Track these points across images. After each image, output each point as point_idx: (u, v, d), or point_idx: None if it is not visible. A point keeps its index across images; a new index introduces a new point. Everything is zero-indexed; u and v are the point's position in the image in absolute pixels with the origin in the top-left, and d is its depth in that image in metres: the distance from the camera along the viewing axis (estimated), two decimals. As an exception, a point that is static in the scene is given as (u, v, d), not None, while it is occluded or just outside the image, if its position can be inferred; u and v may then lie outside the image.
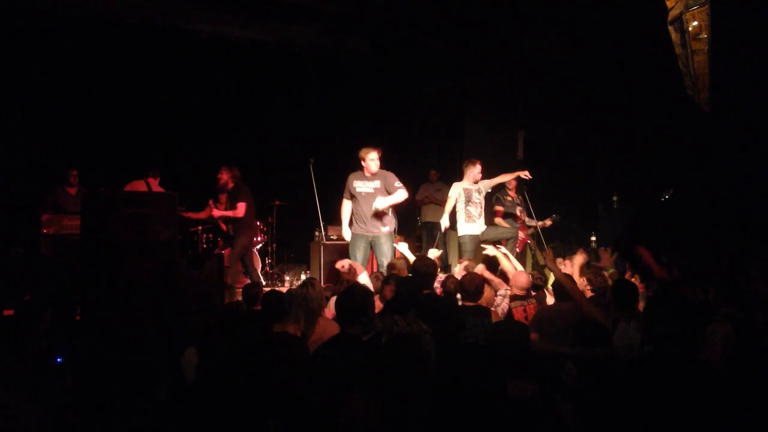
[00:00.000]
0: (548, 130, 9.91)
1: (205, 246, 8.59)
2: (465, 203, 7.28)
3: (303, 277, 8.61)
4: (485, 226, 7.44)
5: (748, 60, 6.80)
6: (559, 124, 9.93)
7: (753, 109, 7.04)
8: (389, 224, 6.62)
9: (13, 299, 5.68)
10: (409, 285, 4.24)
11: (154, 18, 8.17)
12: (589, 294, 4.71)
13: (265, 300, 4.11)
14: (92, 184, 7.61)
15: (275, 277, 8.92)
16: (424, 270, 4.71)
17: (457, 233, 7.53)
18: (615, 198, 9.34)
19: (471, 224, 7.28)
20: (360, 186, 6.54)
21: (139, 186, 7.46)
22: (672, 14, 6.77)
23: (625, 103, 9.38)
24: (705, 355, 3.64)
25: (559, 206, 8.99)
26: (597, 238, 9.10)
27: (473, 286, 4.54)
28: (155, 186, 7.61)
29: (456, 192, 7.31)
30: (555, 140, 10.09)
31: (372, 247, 6.57)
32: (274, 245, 9.11)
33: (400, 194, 6.47)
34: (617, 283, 4.43)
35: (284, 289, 5.64)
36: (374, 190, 6.50)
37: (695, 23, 6.55)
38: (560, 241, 9.14)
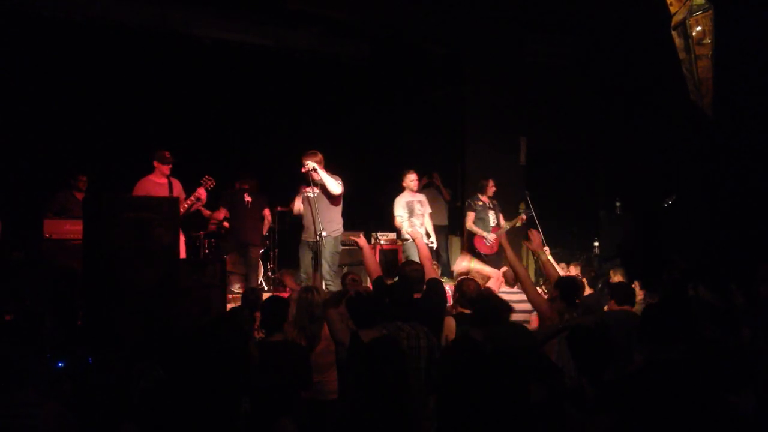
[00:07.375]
0: (550, 135, 9.90)
1: (207, 251, 8.56)
2: (408, 216, 7.51)
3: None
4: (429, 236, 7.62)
5: (751, 65, 6.79)
6: (561, 130, 9.92)
7: (756, 114, 7.03)
8: (336, 227, 6.55)
9: (14, 304, 5.66)
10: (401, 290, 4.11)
11: (158, 24, 8.20)
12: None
13: (265, 306, 4.07)
14: (101, 190, 7.54)
15: (277, 283, 8.89)
16: (414, 275, 4.46)
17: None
18: (617, 204, 9.30)
19: None
20: (309, 191, 6.42)
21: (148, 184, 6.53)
22: (675, 19, 6.78)
23: (627, 108, 9.36)
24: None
25: (561, 212, 8.95)
26: (599, 244, 9.07)
27: (475, 292, 4.46)
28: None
29: (401, 208, 7.54)
30: (557, 146, 10.07)
31: (314, 252, 6.43)
32: (276, 250, 9.08)
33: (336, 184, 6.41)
34: (563, 278, 4.48)
35: (285, 295, 5.61)
36: (317, 194, 6.42)
37: (699, 28, 6.55)
38: (562, 247, 9.09)
